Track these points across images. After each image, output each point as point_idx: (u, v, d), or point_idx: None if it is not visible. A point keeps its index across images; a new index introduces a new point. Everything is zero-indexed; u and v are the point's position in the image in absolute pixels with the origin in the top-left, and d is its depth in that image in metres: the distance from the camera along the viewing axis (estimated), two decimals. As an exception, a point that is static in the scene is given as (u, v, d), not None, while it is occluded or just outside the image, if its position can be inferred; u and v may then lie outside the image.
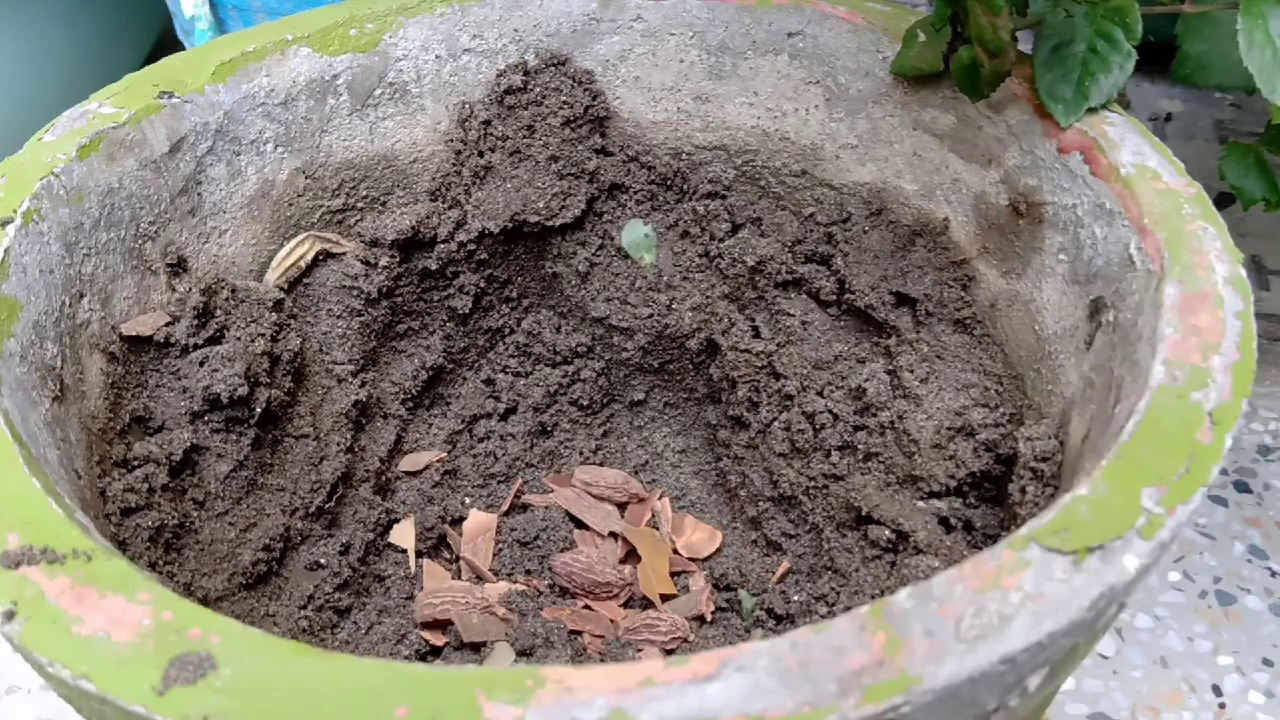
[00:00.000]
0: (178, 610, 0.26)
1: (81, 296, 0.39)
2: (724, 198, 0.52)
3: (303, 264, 0.48)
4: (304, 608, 0.46)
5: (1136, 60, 0.39)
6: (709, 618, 0.50)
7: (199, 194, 0.45)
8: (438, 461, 0.54)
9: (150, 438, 0.42)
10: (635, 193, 0.53)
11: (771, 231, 0.51)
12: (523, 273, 0.54)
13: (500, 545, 0.53)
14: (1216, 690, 0.52)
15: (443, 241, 0.51)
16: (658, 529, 0.54)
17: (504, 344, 0.56)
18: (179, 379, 0.43)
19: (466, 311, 0.53)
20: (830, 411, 0.48)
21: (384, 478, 0.52)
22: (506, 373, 0.56)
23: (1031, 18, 0.41)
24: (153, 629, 0.25)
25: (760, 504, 0.52)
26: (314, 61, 0.47)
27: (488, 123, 0.50)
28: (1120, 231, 0.37)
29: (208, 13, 0.67)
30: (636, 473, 0.57)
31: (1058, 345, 0.40)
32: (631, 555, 0.53)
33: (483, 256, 0.52)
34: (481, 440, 0.56)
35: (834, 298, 0.49)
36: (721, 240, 0.52)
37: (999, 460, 0.41)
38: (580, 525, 0.54)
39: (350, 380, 0.50)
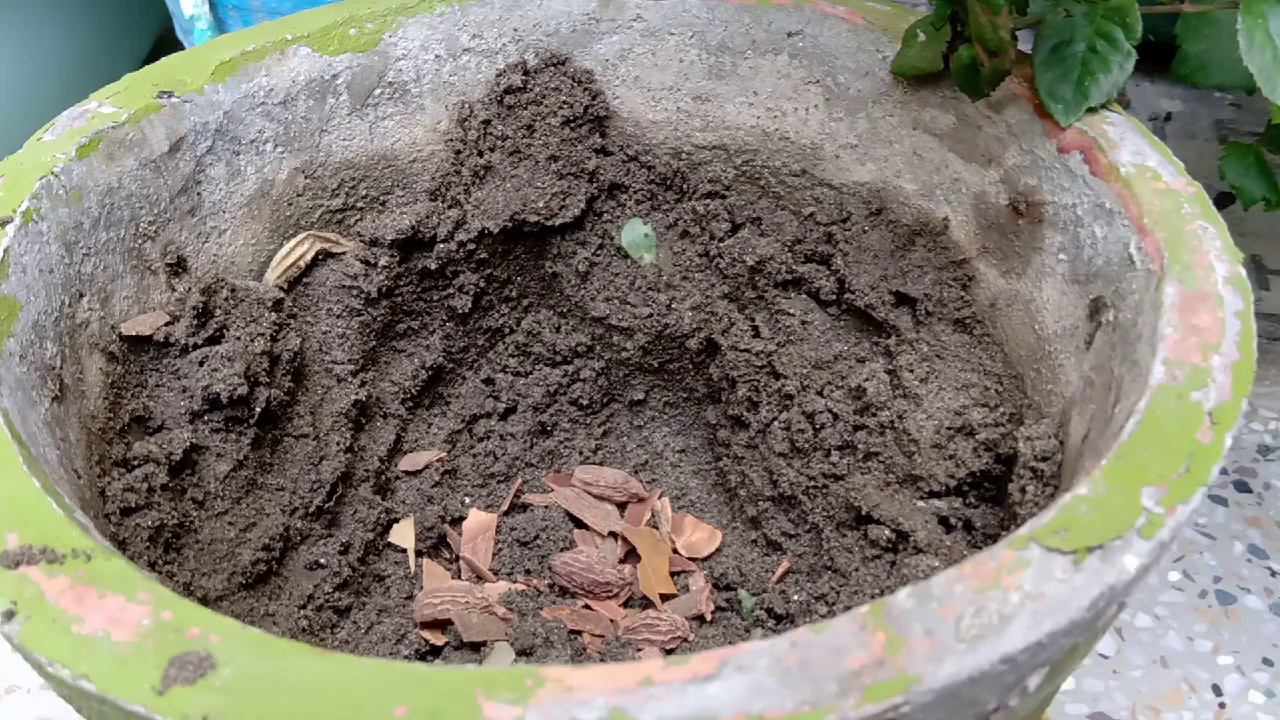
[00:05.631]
0: (177, 610, 0.26)
1: (81, 296, 0.39)
2: (724, 197, 0.52)
3: (302, 264, 0.48)
4: (304, 607, 0.46)
5: (1136, 60, 0.39)
6: (709, 617, 0.50)
7: (198, 193, 0.45)
8: (438, 461, 0.54)
9: (150, 437, 0.42)
10: (635, 192, 0.53)
11: (771, 231, 0.51)
12: (523, 272, 0.54)
13: (500, 545, 0.53)
14: (1216, 690, 0.52)
15: (442, 241, 0.51)
16: (658, 529, 0.54)
17: (504, 344, 0.56)
18: (179, 379, 0.43)
19: (466, 311, 0.53)
20: (830, 411, 0.48)
21: (384, 477, 0.52)
22: (506, 372, 0.56)
23: (1031, 17, 0.41)
24: (152, 628, 0.25)
25: (760, 504, 0.52)
26: (314, 61, 0.47)
27: (487, 122, 0.50)
28: (1120, 231, 0.37)
29: (207, 13, 0.67)
30: (636, 472, 0.57)
31: (1058, 345, 0.40)
32: (631, 555, 0.53)
33: (482, 256, 0.52)
34: (481, 440, 0.56)
35: (834, 297, 0.49)
36: (721, 240, 0.52)
37: (999, 460, 0.41)
38: (580, 525, 0.54)
39: (350, 380, 0.50)
